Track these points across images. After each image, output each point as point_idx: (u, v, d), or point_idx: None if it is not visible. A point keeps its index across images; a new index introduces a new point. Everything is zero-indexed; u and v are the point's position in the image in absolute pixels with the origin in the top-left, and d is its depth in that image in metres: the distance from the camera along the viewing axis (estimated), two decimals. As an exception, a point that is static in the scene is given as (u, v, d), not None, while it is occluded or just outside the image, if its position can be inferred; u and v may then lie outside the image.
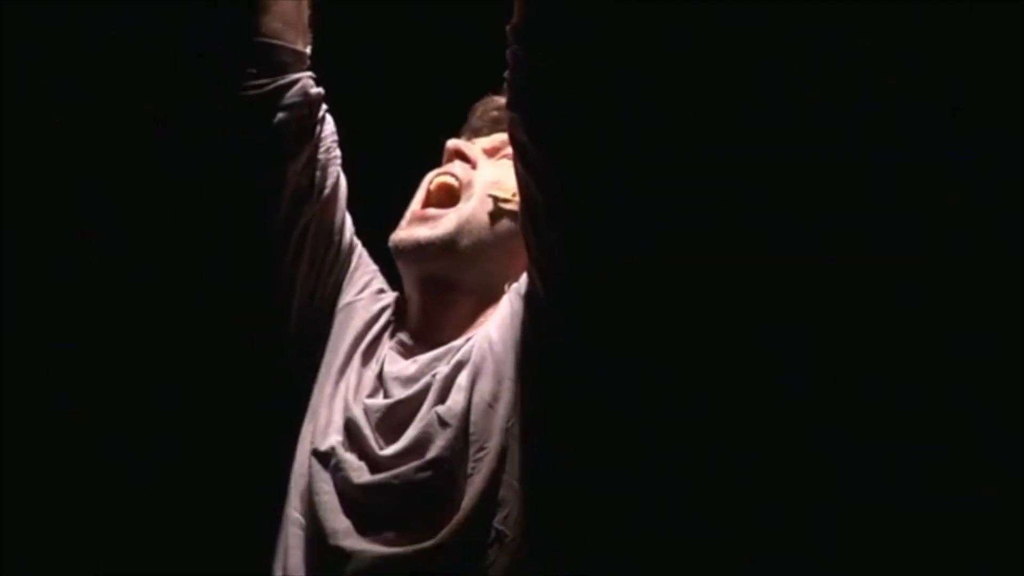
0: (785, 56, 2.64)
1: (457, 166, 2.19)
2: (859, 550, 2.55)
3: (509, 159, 2.10)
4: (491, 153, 2.21)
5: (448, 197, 2.16)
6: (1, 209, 2.77)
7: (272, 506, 2.14)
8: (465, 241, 2.12)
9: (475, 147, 2.21)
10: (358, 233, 2.27)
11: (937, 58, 2.59)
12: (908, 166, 2.60)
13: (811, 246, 2.62)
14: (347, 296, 2.20)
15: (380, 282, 2.24)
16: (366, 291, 2.21)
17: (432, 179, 2.18)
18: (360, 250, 2.24)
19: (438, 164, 2.24)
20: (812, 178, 2.63)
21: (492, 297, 2.11)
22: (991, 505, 2.51)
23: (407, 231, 2.14)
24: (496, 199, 2.14)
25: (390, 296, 2.22)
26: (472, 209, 2.14)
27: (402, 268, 2.16)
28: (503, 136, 2.12)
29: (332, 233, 2.18)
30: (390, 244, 2.15)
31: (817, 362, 2.61)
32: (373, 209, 2.27)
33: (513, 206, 2.10)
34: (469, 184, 2.16)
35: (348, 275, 2.21)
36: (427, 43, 2.86)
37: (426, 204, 2.17)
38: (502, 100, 2.10)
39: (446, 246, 2.11)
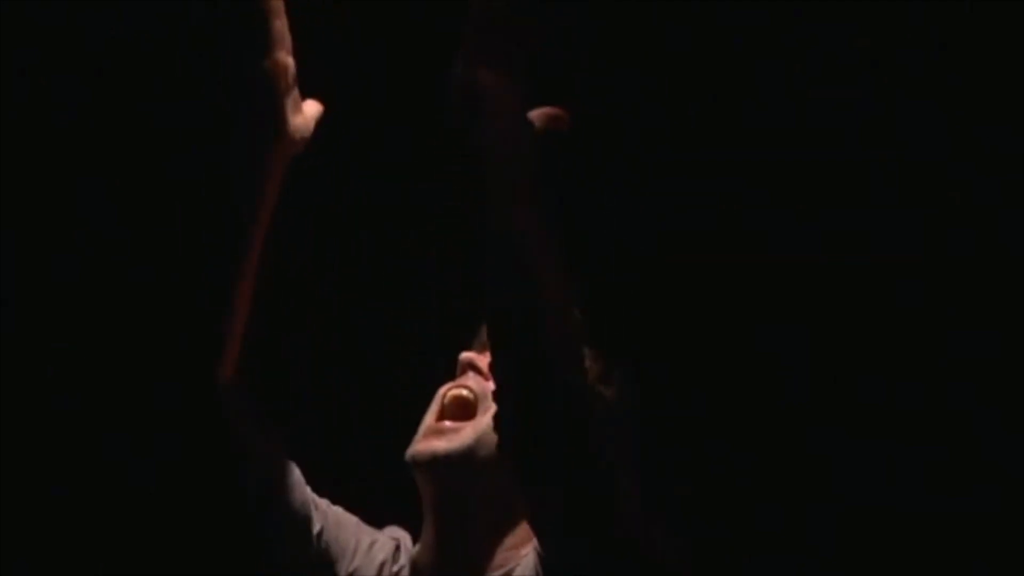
0: (785, 56, 2.64)
1: (471, 378, 2.14)
2: (859, 550, 2.55)
3: None
4: None
5: (463, 410, 2.11)
6: (1, 209, 2.77)
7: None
8: (483, 452, 2.06)
9: (488, 359, 2.15)
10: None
11: (937, 58, 2.59)
12: (908, 166, 2.61)
13: (811, 246, 2.62)
14: (343, 568, 2.15)
15: (368, 534, 2.20)
16: (358, 553, 2.17)
17: (446, 392, 2.14)
18: (329, 512, 2.19)
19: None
20: (812, 178, 2.63)
21: (508, 521, 2.07)
22: (991, 505, 2.51)
23: (424, 444, 2.10)
24: None
25: (384, 545, 2.19)
26: (488, 421, 2.06)
27: (419, 482, 2.12)
28: None
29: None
30: (407, 457, 2.11)
31: (817, 362, 2.62)
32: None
33: None
34: (484, 396, 2.10)
35: (333, 544, 2.17)
36: (427, 43, 2.86)
37: (440, 417, 2.12)
38: None
39: (464, 459, 2.07)
